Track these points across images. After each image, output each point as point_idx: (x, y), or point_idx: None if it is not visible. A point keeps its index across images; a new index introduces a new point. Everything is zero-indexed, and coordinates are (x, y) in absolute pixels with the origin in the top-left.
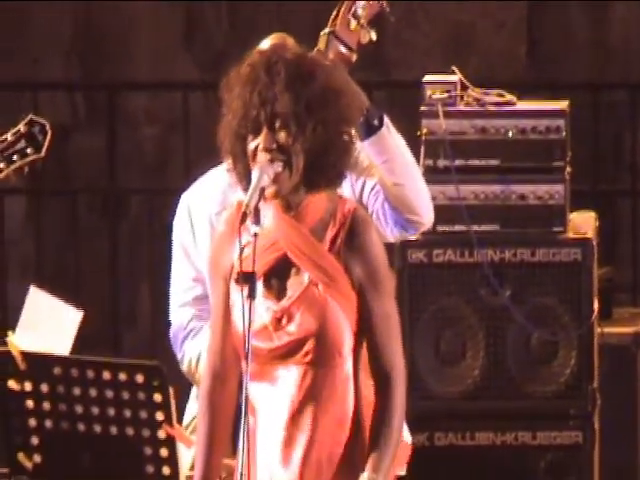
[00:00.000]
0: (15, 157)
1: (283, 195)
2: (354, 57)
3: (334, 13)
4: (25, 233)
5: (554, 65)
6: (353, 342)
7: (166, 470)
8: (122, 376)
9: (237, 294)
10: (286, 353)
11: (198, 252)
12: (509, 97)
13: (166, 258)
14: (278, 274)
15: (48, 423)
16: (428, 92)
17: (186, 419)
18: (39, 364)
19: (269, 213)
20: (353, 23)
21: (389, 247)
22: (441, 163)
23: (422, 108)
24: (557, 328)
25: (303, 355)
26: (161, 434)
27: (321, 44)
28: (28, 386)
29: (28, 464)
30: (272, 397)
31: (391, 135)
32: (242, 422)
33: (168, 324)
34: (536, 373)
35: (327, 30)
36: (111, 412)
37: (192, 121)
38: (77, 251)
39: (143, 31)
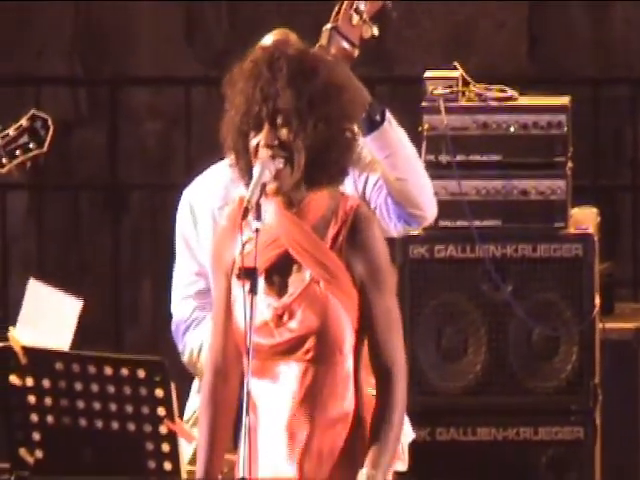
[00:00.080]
0: (17, 152)
1: (285, 192)
2: (356, 52)
3: (336, 8)
4: (27, 228)
5: (555, 63)
6: (354, 339)
7: (168, 465)
8: (124, 371)
9: (239, 290)
10: (287, 350)
11: (201, 246)
12: (510, 92)
13: (168, 254)
14: (279, 271)
15: (50, 418)
16: (430, 87)
17: (187, 413)
18: (41, 359)
19: (270, 209)
20: (355, 18)
21: (391, 242)
22: (443, 158)
23: (424, 103)
24: (558, 323)
25: (304, 352)
26: (163, 429)
27: (323, 39)
28: (30, 381)
29: (30, 459)
30: (273, 394)
31: (393, 130)
32: (243, 418)
33: (170, 318)
34: (537, 368)
35: (329, 25)
36: (113, 407)
37: (194, 117)
38: (79, 246)
39: (145, 26)
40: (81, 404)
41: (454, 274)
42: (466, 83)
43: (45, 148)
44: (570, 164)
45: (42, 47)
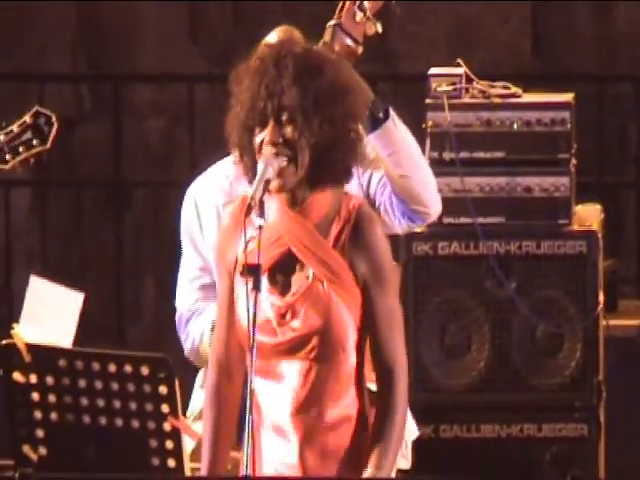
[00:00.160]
0: (21, 149)
1: (288, 190)
2: (360, 49)
3: (339, 5)
4: (30, 225)
5: (559, 60)
6: (357, 338)
7: (171, 462)
8: (127, 368)
9: (242, 287)
10: (290, 349)
11: (205, 242)
12: (514, 89)
13: (170, 251)
14: (283, 269)
15: (53, 415)
16: (433, 84)
17: (191, 407)
18: (44, 356)
19: (274, 207)
20: (359, 15)
21: (394, 240)
22: (446, 155)
23: (427, 100)
24: (562, 320)
25: (307, 351)
26: (166, 426)
27: (327, 36)
28: (33, 378)
29: (33, 456)
30: (276, 392)
31: (397, 128)
32: (247, 416)
33: (173, 313)
34: (541, 365)
35: (333, 22)
36: (116, 404)
37: (197, 114)
38: (82, 243)
39: (149, 23)
40: (85, 401)
41: (458, 271)
42: (470, 80)
43: (49, 145)
44: (574, 161)
45: (45, 44)
